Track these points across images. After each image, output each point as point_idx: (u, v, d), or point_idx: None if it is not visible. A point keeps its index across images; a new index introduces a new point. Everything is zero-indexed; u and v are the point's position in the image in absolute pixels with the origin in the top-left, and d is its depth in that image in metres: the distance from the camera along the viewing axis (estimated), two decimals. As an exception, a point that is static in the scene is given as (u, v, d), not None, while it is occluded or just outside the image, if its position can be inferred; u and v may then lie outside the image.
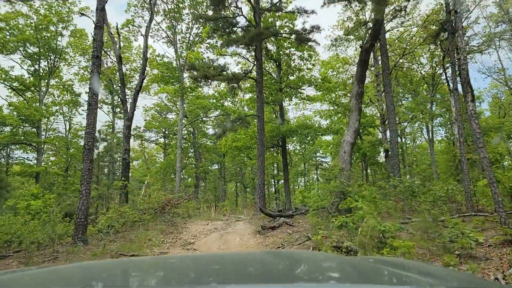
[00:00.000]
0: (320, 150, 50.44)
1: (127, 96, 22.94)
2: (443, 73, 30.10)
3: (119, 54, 21.21)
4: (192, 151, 41.13)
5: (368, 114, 29.04)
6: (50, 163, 33.37)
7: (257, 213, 19.19)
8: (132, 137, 39.35)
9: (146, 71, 22.01)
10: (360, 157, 28.27)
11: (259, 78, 19.33)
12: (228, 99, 32.46)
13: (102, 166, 23.85)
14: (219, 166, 45.22)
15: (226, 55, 22.39)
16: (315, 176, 57.03)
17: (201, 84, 24.77)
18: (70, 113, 36.36)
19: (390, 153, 17.52)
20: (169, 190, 25.84)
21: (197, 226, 18.50)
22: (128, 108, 21.39)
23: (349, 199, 13.31)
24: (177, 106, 35.74)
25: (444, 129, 42.29)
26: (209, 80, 17.97)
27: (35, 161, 30.23)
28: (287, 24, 22.36)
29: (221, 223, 19.20)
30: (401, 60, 27.42)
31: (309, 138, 25.55)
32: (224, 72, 18.26)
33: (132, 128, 44.25)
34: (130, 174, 50.60)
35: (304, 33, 18.26)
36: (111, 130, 36.07)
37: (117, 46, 21.11)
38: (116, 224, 14.73)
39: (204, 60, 22.32)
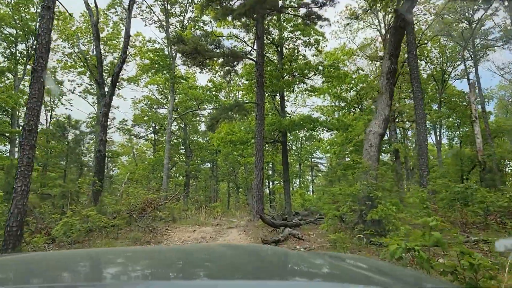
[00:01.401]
0: (318, 150, 46.92)
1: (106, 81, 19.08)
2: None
3: (96, 29, 17.40)
4: (183, 147, 37.26)
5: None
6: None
7: (254, 219, 15.51)
8: (118, 130, 35.45)
9: (128, 51, 18.20)
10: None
11: (260, 59, 15.69)
12: (223, 91, 28.71)
13: (75, 160, 19.94)
14: (211, 164, 41.44)
15: (221, 36, 18.67)
16: (310, 178, 53.54)
17: (191, 65, 20.97)
18: (52, 103, 32.30)
19: (418, 150, 13.93)
20: (154, 189, 22.06)
21: (181, 233, 14.77)
22: (106, 93, 17.60)
23: (381, 207, 9.71)
24: (168, 99, 31.93)
25: (448, 131, 39.07)
26: (201, 58, 14.27)
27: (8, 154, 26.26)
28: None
29: (211, 229, 15.48)
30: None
31: (314, 133, 21.76)
32: (219, 49, 14.58)
33: (119, 121, 40.50)
34: (114, 171, 46.62)
35: (315, 6, 14.64)
36: (96, 122, 32.14)
37: (94, 18, 17.31)
38: (76, 232, 10.95)
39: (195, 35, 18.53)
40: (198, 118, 37.75)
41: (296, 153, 44.80)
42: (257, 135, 15.61)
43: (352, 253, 8.14)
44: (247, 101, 16.83)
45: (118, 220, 12.14)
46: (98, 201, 15.05)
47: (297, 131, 32.20)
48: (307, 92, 22.22)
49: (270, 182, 41.68)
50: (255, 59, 15.92)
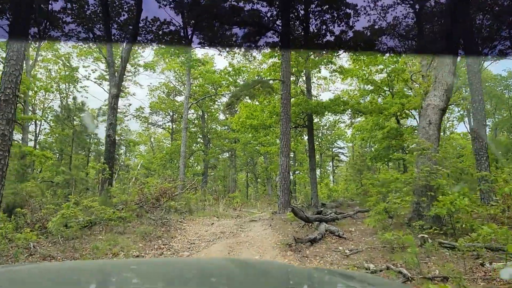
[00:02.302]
0: (340, 139, 44.35)
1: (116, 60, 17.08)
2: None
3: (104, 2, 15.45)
4: (200, 136, 35.34)
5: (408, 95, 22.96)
6: (39, 144, 27.71)
7: (279, 211, 13.41)
8: (135, 118, 33.77)
9: (139, 28, 16.20)
10: (399, 145, 22.25)
11: (285, 29, 13.45)
12: (241, 76, 26.45)
13: (82, 145, 18.13)
14: (229, 154, 39.47)
15: (241, 12, 16.43)
16: (330, 168, 51.04)
17: (208, 43, 18.89)
18: (67, 90, 30.72)
19: (475, 134, 11.53)
20: (169, 178, 20.19)
21: (198, 226, 12.84)
22: (116, 72, 15.71)
23: (446, 199, 7.46)
24: (185, 86, 29.98)
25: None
26: (219, 30, 12.14)
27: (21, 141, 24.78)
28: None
29: (231, 223, 13.49)
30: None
31: (341, 118, 19.38)
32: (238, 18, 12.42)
33: (136, 109, 38.81)
34: (132, 160, 45.18)
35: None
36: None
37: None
38: (74, 226, 9.08)
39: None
40: (216, 106, 35.75)
41: (317, 143, 42.24)
42: (283, 117, 13.45)
43: (420, 259, 5.96)
44: (271, 79, 14.63)
45: (125, 212, 10.21)
46: (105, 191, 13.22)
47: (321, 118, 29.92)
48: (335, 74, 19.81)
49: (291, 172, 39.55)
50: (279, 31, 13.71)
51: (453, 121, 30.84)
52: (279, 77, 14.03)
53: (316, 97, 19.35)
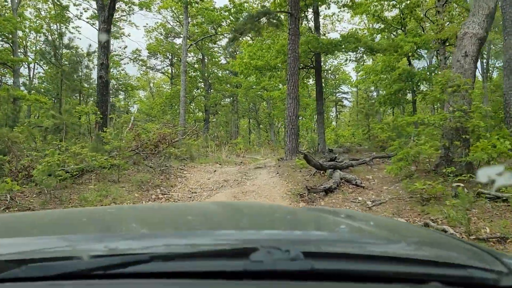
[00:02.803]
0: (344, 84, 42.62)
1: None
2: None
3: None
4: (201, 81, 33.74)
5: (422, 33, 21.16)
6: (34, 88, 26.25)
7: (287, 158, 12.44)
8: (132, 61, 31.97)
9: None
10: (410, 88, 20.83)
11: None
12: (243, 15, 24.32)
13: (72, 87, 16.72)
14: (231, 99, 38.05)
15: None
16: (333, 114, 49.69)
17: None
18: (58, 31, 28.68)
19: (507, 71, 10.16)
20: (169, 123, 19.10)
21: (200, 174, 11.93)
22: (105, 5, 14.01)
23: (484, 142, 6.37)
24: (183, 26, 27.88)
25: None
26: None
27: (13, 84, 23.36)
28: None
29: (235, 170, 12.58)
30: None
31: (358, 56, 17.73)
32: None
33: (132, 51, 36.77)
34: (133, 108, 43.85)
35: None
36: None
37: None
38: (63, 173, 8.11)
39: None
40: (216, 49, 33.75)
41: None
42: (290, 55, 12.02)
43: (457, 213, 4.97)
44: (278, 11, 12.91)
45: (118, 160, 9.18)
46: (97, 136, 12.13)
47: (325, 62, 28.14)
48: (344, 9, 17.87)
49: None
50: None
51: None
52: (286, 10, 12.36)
53: (324, 35, 17.57)
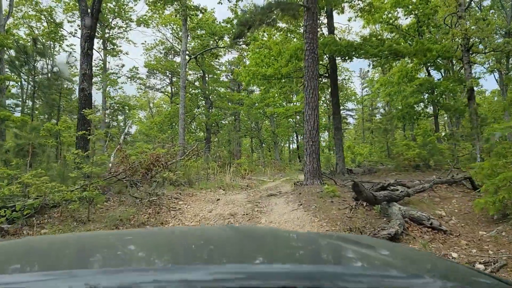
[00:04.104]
0: (349, 101, 40.11)
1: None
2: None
3: None
4: (202, 98, 31.29)
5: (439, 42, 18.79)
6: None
7: (307, 181, 9.75)
8: (129, 80, 29.59)
9: None
10: (431, 101, 18.30)
11: None
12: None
13: (47, 101, 14.06)
14: (233, 118, 35.60)
15: None
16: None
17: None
18: (52, 49, 26.41)
19: None
20: (165, 142, 16.53)
21: (199, 204, 9.25)
22: (88, 7, 11.62)
23: None
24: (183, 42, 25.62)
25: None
26: None
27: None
28: None
29: (243, 198, 9.90)
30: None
31: (382, 61, 15.23)
32: None
33: (129, 69, 34.48)
34: (132, 129, 41.24)
35: None
36: (102, 71, 26.37)
37: None
38: (9, 212, 5.48)
39: None
40: (218, 66, 31.50)
41: (325, 104, 38.27)
42: (308, 57, 9.52)
43: None
44: (292, 3, 10.45)
45: (89, 191, 6.52)
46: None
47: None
48: (363, 13, 15.49)
49: (298, 136, 35.78)
50: None
51: (481, 74, 26.48)
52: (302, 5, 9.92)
53: (340, 39, 15.17)
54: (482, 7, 23.88)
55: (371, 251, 1.16)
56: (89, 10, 11.67)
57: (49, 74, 13.69)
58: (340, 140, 14.34)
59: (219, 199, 9.73)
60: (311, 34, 9.49)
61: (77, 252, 1.14)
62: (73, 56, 21.47)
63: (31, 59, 12.96)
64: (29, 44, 14.43)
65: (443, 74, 22.65)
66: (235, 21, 20.57)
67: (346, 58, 12.80)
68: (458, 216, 5.42)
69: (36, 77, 13.15)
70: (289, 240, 1.44)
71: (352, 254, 1.17)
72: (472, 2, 18.03)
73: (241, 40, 14.85)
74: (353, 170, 14.80)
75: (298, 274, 0.78)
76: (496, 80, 26.22)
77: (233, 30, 21.53)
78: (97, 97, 32.75)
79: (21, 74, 13.26)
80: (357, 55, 12.66)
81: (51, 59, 14.40)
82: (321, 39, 12.05)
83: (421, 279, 0.83)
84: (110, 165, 11.69)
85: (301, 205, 7.60)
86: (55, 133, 10.53)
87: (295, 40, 14.68)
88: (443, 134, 16.53)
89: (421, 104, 19.17)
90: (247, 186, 14.12)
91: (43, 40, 24.57)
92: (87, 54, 11.53)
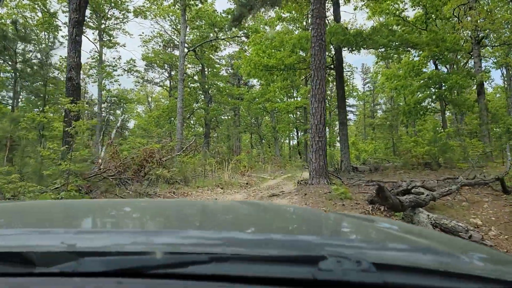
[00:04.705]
0: (351, 97, 39.11)
1: None
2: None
3: None
4: (201, 93, 30.30)
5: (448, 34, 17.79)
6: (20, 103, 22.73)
7: (312, 180, 8.83)
8: (126, 72, 28.56)
9: None
10: (439, 95, 17.37)
11: None
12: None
13: (33, 91, 13.08)
14: (233, 113, 34.67)
15: None
16: (337, 128, 46.12)
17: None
18: (47, 40, 25.31)
19: None
20: (161, 137, 15.63)
21: (194, 205, 8.20)
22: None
23: None
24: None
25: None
26: None
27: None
28: None
29: (243, 198, 9.02)
30: None
31: (391, 52, 14.20)
32: None
33: (126, 61, 33.39)
34: (131, 123, 40.23)
35: None
36: (98, 63, 25.39)
37: None
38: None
39: None
40: (217, 59, 30.50)
41: (328, 98, 37.11)
42: (315, 44, 8.57)
43: None
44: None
45: (66, 192, 5.61)
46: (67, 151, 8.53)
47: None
48: (370, 2, 14.48)
49: (299, 132, 34.84)
50: None
51: (487, 69, 25.51)
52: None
53: (346, 29, 14.18)
54: (490, 0, 22.92)
55: (415, 236, 1.05)
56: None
57: (33, 61, 12.72)
58: (346, 136, 13.43)
59: (216, 199, 8.83)
60: (318, 19, 8.55)
61: (63, 215, 1.12)
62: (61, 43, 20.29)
63: (11, 44, 11.96)
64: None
65: (448, 69, 21.70)
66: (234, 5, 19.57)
67: (354, 49, 11.85)
68: (497, 226, 4.52)
69: (17, 64, 12.15)
70: (291, 214, 1.40)
71: (402, 236, 1.04)
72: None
73: (240, 27, 13.80)
74: (359, 167, 13.90)
75: (292, 242, 0.76)
76: (502, 75, 25.21)
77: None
78: (93, 90, 31.86)
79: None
80: (365, 46, 11.71)
81: (35, 45, 13.36)
82: (328, 27, 11.10)
83: (467, 260, 0.77)
84: (100, 161, 10.80)
85: (309, 203, 6.70)
86: (40, 125, 9.59)
87: (298, 33, 13.71)
88: (450, 129, 15.53)
89: (428, 99, 18.26)
90: (246, 184, 13.22)
91: (36, 30, 23.59)
92: (75, 40, 10.56)
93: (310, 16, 8.95)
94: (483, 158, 12.87)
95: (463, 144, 13.37)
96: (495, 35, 18.30)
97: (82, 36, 11.35)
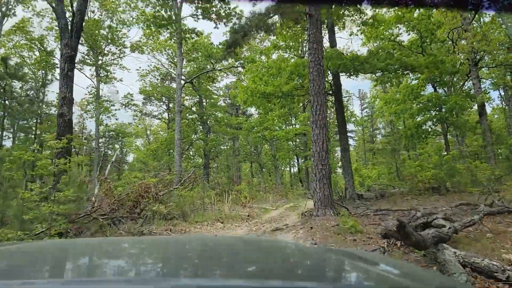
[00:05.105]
0: (350, 122, 38.93)
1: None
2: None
3: None
4: (199, 123, 30.00)
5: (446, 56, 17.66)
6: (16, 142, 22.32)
7: (318, 212, 8.24)
8: (123, 106, 28.35)
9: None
10: (439, 118, 17.00)
11: None
12: (245, 48, 21.02)
13: (20, 126, 12.62)
14: (232, 142, 34.28)
15: None
16: (338, 155, 45.61)
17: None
18: (43, 78, 25.25)
19: None
20: (158, 169, 15.10)
21: (192, 243, 7.56)
22: (69, 24, 10.46)
23: None
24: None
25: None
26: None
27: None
28: None
29: (244, 233, 8.41)
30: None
31: (390, 76, 13.85)
32: None
33: (124, 95, 33.29)
34: (129, 157, 39.76)
35: None
36: (95, 98, 25.21)
37: None
38: None
39: None
40: (215, 90, 30.42)
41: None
42: (313, 69, 8.24)
43: None
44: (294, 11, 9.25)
45: (49, 236, 5.04)
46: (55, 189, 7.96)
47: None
48: (363, 27, 14.40)
49: (299, 159, 34.29)
50: None
51: (487, 90, 25.37)
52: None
53: (343, 54, 13.98)
54: (483, 24, 23.05)
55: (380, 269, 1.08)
56: (69, 28, 10.50)
57: (22, 98, 12.41)
58: (348, 162, 12.92)
59: (216, 236, 8.20)
60: (315, 44, 8.25)
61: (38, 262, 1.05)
62: (42, 78, 20.16)
63: (1, 82, 11.69)
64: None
65: (446, 92, 21.49)
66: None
67: (351, 74, 11.58)
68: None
69: (6, 101, 11.83)
70: (291, 253, 1.35)
71: (364, 272, 1.06)
72: (474, 17, 17.06)
73: (236, 58, 13.62)
74: (364, 195, 13.29)
75: None
76: (500, 96, 25.02)
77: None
78: (91, 125, 31.54)
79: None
80: (363, 70, 11.44)
81: (26, 82, 13.11)
82: (324, 53, 10.85)
83: None
84: (94, 198, 10.23)
85: (315, 244, 6.09)
86: (27, 164, 9.09)
87: (294, 60, 13.51)
88: (454, 152, 15.04)
89: (429, 122, 17.90)
90: (248, 216, 12.59)
91: (34, 69, 23.57)
92: (67, 76, 10.26)
93: (307, 41, 8.68)
94: (493, 181, 12.32)
95: (470, 167, 12.84)
96: (490, 56, 18.17)
97: (80, 72, 11.19)
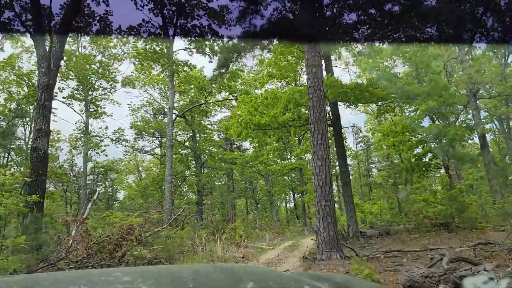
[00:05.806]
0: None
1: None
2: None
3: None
4: (193, 158, 28.99)
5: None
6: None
7: (322, 255, 7.14)
8: (113, 142, 27.37)
9: None
10: (440, 149, 16.23)
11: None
12: (239, 80, 20.52)
13: None
14: (227, 178, 33.18)
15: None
16: (335, 189, 44.59)
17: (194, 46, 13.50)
18: (31, 114, 24.38)
19: None
20: (147, 210, 13.96)
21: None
22: (48, 51, 9.71)
23: None
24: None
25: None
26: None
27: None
28: None
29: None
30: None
31: (392, 105, 13.14)
32: None
33: (114, 131, 32.51)
34: (120, 194, 38.35)
35: None
36: (84, 133, 24.29)
37: None
38: None
39: None
40: (209, 124, 29.71)
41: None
42: (312, 95, 7.48)
43: None
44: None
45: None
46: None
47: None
48: (360, 56, 13.96)
49: (295, 194, 33.16)
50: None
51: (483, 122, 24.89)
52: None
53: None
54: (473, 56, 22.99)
55: None
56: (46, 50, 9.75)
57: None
58: (350, 197, 11.92)
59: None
60: (314, 68, 7.54)
61: None
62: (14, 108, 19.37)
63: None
64: None
65: (445, 124, 20.97)
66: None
67: (351, 103, 10.89)
68: None
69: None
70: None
71: None
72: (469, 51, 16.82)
73: (231, 90, 12.93)
74: (367, 232, 12.19)
75: None
76: (494, 127, 24.52)
77: (223, 85, 19.98)
78: (78, 161, 30.39)
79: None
80: (363, 100, 10.76)
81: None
82: (325, 80, 10.18)
83: None
84: (70, 242, 9.05)
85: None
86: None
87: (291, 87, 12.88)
88: (461, 186, 14.15)
89: (429, 154, 17.12)
90: (243, 257, 11.39)
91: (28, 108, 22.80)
92: (43, 106, 9.39)
93: (305, 65, 8.00)
94: (505, 216, 11.36)
95: (479, 201, 11.90)
96: (487, 86, 17.77)
97: (68, 107, 10.36)
